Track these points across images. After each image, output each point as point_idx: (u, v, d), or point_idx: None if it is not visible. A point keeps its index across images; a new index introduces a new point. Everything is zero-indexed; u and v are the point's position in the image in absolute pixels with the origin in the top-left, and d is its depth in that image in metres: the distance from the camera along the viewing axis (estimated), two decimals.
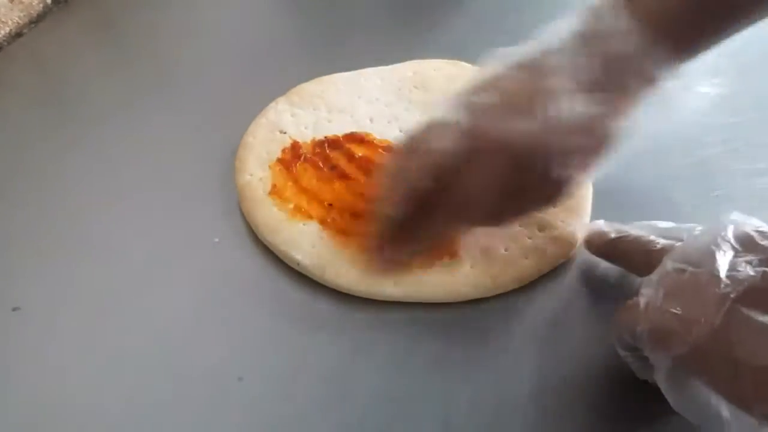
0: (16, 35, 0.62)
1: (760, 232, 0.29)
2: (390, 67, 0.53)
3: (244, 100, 0.51)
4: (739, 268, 0.27)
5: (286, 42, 0.61)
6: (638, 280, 0.34)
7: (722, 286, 0.27)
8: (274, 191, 0.43)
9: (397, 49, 0.55)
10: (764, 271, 0.27)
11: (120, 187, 0.47)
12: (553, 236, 0.40)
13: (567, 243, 0.40)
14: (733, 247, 0.29)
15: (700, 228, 0.33)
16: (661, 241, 0.34)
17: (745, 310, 0.26)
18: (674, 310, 0.28)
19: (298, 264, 0.40)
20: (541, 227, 0.41)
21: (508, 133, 0.33)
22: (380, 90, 0.51)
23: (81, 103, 0.54)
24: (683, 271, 0.29)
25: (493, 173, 0.33)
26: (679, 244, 0.32)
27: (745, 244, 0.28)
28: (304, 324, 0.38)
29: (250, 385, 0.35)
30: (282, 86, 0.52)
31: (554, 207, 0.39)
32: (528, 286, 0.40)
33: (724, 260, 0.28)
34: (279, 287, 0.40)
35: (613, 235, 0.37)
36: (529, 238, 0.40)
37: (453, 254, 0.40)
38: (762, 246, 0.28)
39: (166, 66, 0.58)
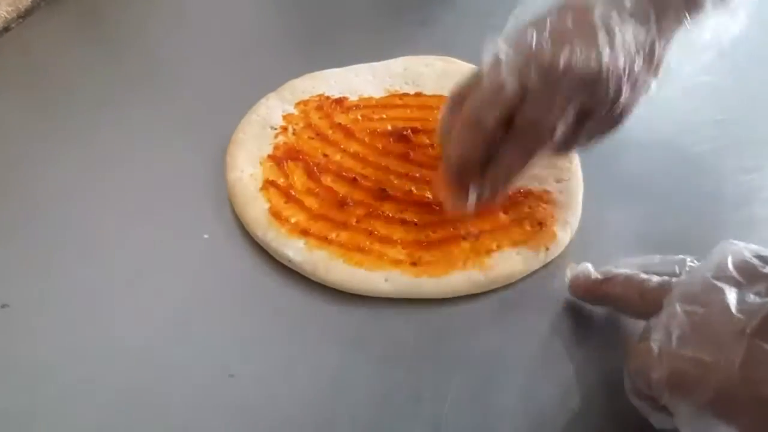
0: (4, 30, 0.61)
1: (761, 258, 0.28)
2: (381, 63, 0.53)
3: (234, 95, 0.51)
4: (749, 300, 0.26)
5: (277, 37, 0.61)
6: (638, 322, 0.33)
7: (736, 321, 0.26)
8: (267, 190, 0.43)
9: (389, 45, 0.55)
10: None
11: (109, 183, 0.46)
12: (545, 233, 0.41)
13: (559, 239, 0.41)
14: (737, 280, 0.27)
15: (691, 260, 0.32)
16: (654, 278, 0.32)
17: (764, 344, 0.25)
18: (691, 354, 0.27)
19: (290, 261, 0.40)
20: (533, 223, 0.41)
21: (571, 60, 0.33)
22: (372, 86, 0.51)
23: (69, 98, 0.54)
24: (693, 311, 0.28)
25: (562, 99, 0.34)
26: (676, 280, 0.31)
27: (748, 274, 0.28)
28: (295, 321, 0.38)
29: (242, 381, 0.35)
30: (273, 82, 0.52)
31: (612, 133, 0.39)
32: (520, 283, 0.40)
33: (732, 295, 0.27)
34: (270, 284, 0.40)
35: (600, 278, 0.35)
36: (521, 234, 0.41)
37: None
38: (765, 274, 0.27)
39: (156, 61, 0.58)
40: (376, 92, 0.51)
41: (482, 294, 0.39)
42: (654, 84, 0.36)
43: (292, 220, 0.41)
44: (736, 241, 0.29)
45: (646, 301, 0.31)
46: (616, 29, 0.34)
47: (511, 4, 0.56)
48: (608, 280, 0.35)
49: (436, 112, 0.48)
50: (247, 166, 0.45)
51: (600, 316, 0.37)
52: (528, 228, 0.41)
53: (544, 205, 0.42)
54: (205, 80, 0.55)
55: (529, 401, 0.34)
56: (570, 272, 0.38)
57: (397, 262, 0.39)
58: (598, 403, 0.34)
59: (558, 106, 0.34)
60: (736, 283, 0.27)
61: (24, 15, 0.63)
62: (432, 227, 0.41)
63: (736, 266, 0.28)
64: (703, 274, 0.29)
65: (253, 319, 0.38)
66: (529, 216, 0.41)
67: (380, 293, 0.39)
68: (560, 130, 0.35)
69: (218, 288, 0.40)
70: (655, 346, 0.28)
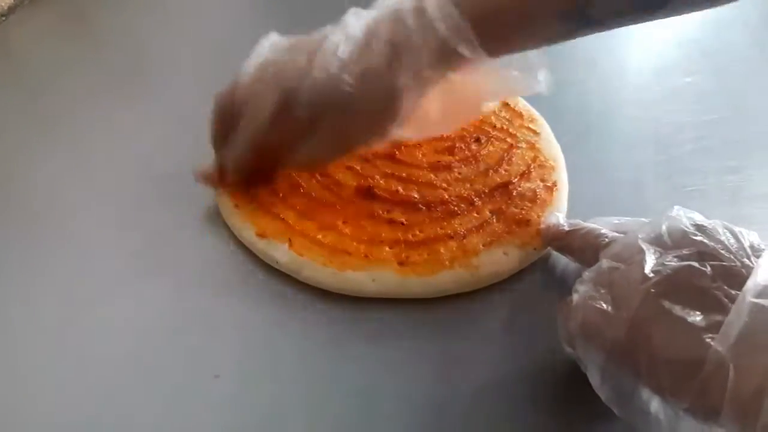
0: None
1: (696, 226, 0.29)
2: None
3: None
4: (665, 262, 0.28)
5: (262, 35, 0.61)
6: None
7: (644, 279, 0.28)
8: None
9: None
10: (688, 265, 0.28)
11: (93, 181, 0.46)
12: (531, 231, 0.41)
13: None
14: (665, 243, 0.29)
15: (646, 221, 0.33)
16: (610, 235, 0.34)
17: (666, 304, 0.27)
18: (599, 306, 0.29)
19: (277, 262, 0.40)
20: (519, 223, 0.41)
21: (281, 72, 0.37)
22: None
23: (53, 96, 0.53)
24: (615, 268, 0.30)
25: (264, 106, 0.37)
26: (615, 237, 0.33)
27: (677, 239, 0.29)
28: (281, 321, 0.38)
29: (227, 382, 0.35)
30: None
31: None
32: (506, 281, 0.40)
33: (651, 256, 0.29)
34: (257, 284, 0.40)
35: (566, 228, 0.37)
36: (508, 234, 0.41)
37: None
38: (693, 240, 0.29)
39: (141, 59, 0.58)
40: None
41: (469, 293, 0.39)
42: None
43: (278, 221, 0.41)
44: (684, 209, 0.31)
45: (597, 252, 0.33)
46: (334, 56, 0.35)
47: None
48: (572, 231, 0.37)
49: None
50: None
51: None
52: (514, 227, 0.41)
53: (530, 205, 0.42)
54: (190, 78, 0.55)
55: (516, 399, 0.34)
56: (544, 220, 0.40)
57: (384, 262, 0.39)
58: (590, 401, 0.34)
59: (257, 111, 0.38)
60: (663, 246, 0.29)
61: (7, 13, 0.62)
62: (419, 227, 0.41)
63: (669, 231, 0.29)
64: (637, 236, 0.30)
65: (238, 320, 0.38)
66: (516, 215, 0.42)
67: (367, 293, 0.39)
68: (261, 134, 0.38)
69: (204, 288, 0.40)
70: (575, 297, 0.31)
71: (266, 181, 0.43)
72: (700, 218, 0.30)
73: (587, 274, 0.31)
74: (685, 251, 0.28)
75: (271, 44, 0.39)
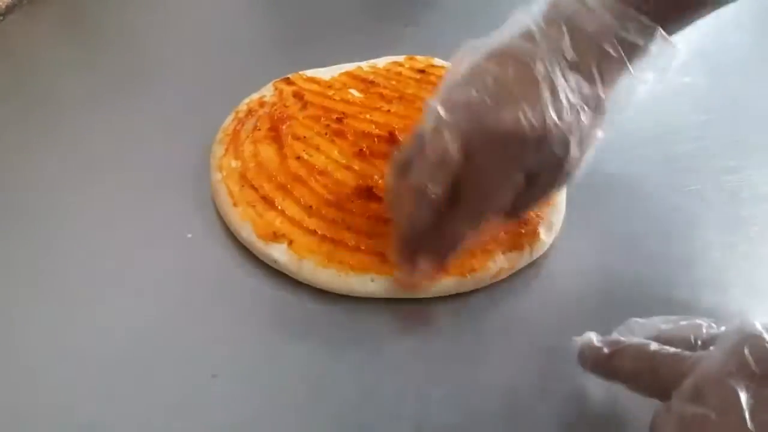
0: None
1: None
2: (365, 63, 0.53)
3: (218, 95, 0.51)
4: (763, 403, 0.24)
5: (260, 38, 0.61)
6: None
7: None
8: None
9: (372, 45, 0.55)
10: None
11: (92, 183, 0.46)
12: (529, 233, 0.41)
13: (542, 239, 0.41)
14: (755, 375, 0.25)
15: (707, 325, 0.30)
16: (666, 350, 0.29)
17: None
18: None
19: (275, 261, 0.40)
20: (518, 224, 0.41)
21: (515, 121, 0.32)
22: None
23: (51, 97, 0.53)
24: (705, 416, 0.25)
25: (508, 162, 0.33)
26: (691, 363, 0.27)
27: (766, 365, 0.25)
28: (279, 320, 0.38)
29: (225, 382, 0.35)
30: (256, 82, 0.51)
31: (563, 188, 0.40)
32: (505, 281, 0.40)
33: (746, 396, 0.24)
34: (254, 283, 0.40)
35: (606, 350, 0.31)
36: (506, 233, 0.41)
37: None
38: None
39: (139, 61, 0.58)
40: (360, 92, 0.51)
41: (468, 293, 0.39)
42: (600, 134, 0.35)
43: (277, 221, 0.41)
44: (760, 320, 0.26)
45: (658, 379, 0.28)
46: (559, 84, 0.33)
47: (492, 3, 0.57)
48: (616, 353, 0.31)
49: (420, 112, 0.49)
50: (231, 165, 0.45)
51: (585, 314, 0.37)
52: (512, 227, 0.41)
53: None
54: (188, 80, 0.55)
55: (512, 400, 0.34)
56: (577, 341, 0.34)
57: (383, 263, 0.39)
58: (583, 402, 0.34)
59: (504, 169, 0.34)
60: (750, 377, 0.25)
61: (5, 13, 0.62)
62: None
63: (756, 358, 0.25)
64: (715, 364, 0.26)
65: (236, 319, 0.38)
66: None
67: (366, 293, 0.39)
68: (507, 195, 0.34)
69: (201, 287, 0.40)
70: None
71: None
72: None
73: (661, 418, 0.27)
74: None
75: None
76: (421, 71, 0.53)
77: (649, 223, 0.43)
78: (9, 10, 0.62)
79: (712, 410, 0.25)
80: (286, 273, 0.40)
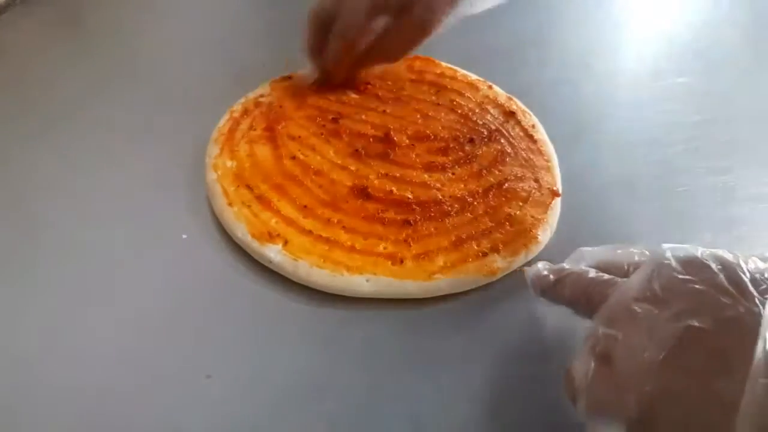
0: None
1: (687, 268, 0.27)
2: None
3: (213, 95, 0.51)
4: (665, 328, 0.26)
5: (256, 37, 0.61)
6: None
7: (648, 354, 0.26)
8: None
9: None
10: (687, 327, 0.26)
11: (86, 183, 0.45)
12: (525, 233, 0.41)
13: (538, 239, 0.41)
14: (657, 297, 0.27)
15: (640, 252, 0.32)
16: (600, 278, 0.32)
17: (675, 381, 0.25)
18: (605, 384, 0.27)
19: (270, 262, 0.40)
20: (512, 223, 0.41)
21: None
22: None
23: (44, 97, 0.53)
24: (613, 337, 0.28)
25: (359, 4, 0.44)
26: (607, 295, 0.30)
27: (670, 289, 0.27)
28: (274, 321, 0.38)
29: (219, 383, 0.35)
30: (252, 82, 0.51)
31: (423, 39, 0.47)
32: (500, 281, 0.40)
33: (647, 321, 0.27)
34: (249, 284, 0.40)
35: (552, 278, 0.34)
36: (502, 234, 0.41)
37: None
38: (687, 289, 0.27)
39: (134, 60, 0.57)
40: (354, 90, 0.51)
41: (463, 293, 0.39)
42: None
43: (272, 221, 0.41)
44: (672, 248, 0.29)
45: (590, 303, 0.31)
46: None
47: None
48: (559, 281, 0.34)
49: (415, 113, 0.49)
50: (227, 165, 0.45)
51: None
52: (508, 227, 0.41)
53: (524, 205, 0.43)
54: (184, 79, 0.54)
55: (509, 399, 0.34)
56: (527, 271, 0.37)
57: (378, 263, 0.39)
58: None
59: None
60: (656, 302, 0.27)
61: None
62: (413, 227, 0.41)
63: (660, 281, 0.28)
64: (628, 294, 0.28)
65: (231, 320, 0.38)
66: (509, 216, 0.42)
67: (361, 293, 0.39)
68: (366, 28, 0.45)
69: (197, 288, 0.39)
70: (576, 377, 0.29)
71: (349, 79, 0.50)
72: (690, 253, 0.28)
73: (587, 344, 0.29)
74: (681, 306, 0.26)
75: None
76: (417, 72, 0.53)
77: (643, 223, 0.44)
78: (2, 9, 0.62)
79: (619, 331, 0.27)
80: (281, 273, 0.40)
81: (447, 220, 0.41)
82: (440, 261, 0.39)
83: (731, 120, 0.52)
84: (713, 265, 0.27)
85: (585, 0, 0.67)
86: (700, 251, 0.28)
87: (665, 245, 0.29)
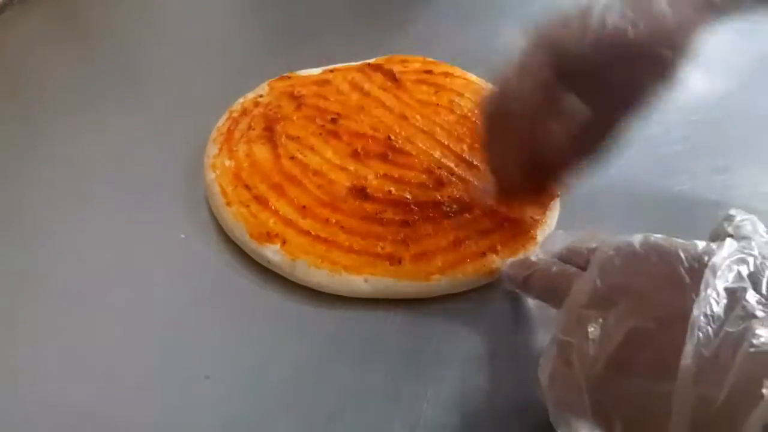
0: None
1: (629, 262, 0.28)
2: (360, 62, 0.53)
3: (212, 95, 0.51)
4: (609, 332, 0.27)
5: (254, 37, 0.61)
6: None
7: (595, 362, 0.27)
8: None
9: (367, 45, 0.55)
10: (630, 329, 0.26)
11: (84, 183, 0.46)
12: (523, 233, 0.41)
13: (535, 239, 0.41)
14: (605, 300, 0.28)
15: (598, 242, 0.32)
16: (565, 271, 0.32)
17: (619, 385, 0.26)
18: (566, 387, 0.28)
19: (269, 262, 0.40)
20: (511, 223, 0.41)
21: (552, 45, 0.33)
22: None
23: (43, 96, 0.53)
24: (569, 343, 0.28)
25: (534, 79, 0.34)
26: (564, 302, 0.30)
27: (616, 290, 0.28)
28: (272, 321, 0.38)
29: (217, 383, 0.35)
30: (251, 82, 0.51)
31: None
32: (498, 282, 0.40)
33: (596, 325, 0.27)
34: (247, 284, 0.40)
35: (522, 275, 0.35)
36: (500, 235, 0.41)
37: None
38: (628, 290, 0.27)
39: (132, 61, 0.57)
40: (354, 92, 0.51)
41: (462, 293, 0.39)
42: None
43: (271, 221, 0.41)
44: (609, 243, 0.29)
45: (556, 299, 0.31)
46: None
47: (487, 4, 0.57)
48: (528, 277, 0.34)
49: (414, 113, 0.49)
50: (225, 164, 0.45)
51: None
52: (506, 227, 0.41)
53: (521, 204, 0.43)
54: (182, 80, 0.54)
55: (508, 400, 0.34)
56: (503, 266, 0.38)
57: (376, 263, 0.39)
58: None
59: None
60: (601, 305, 0.28)
61: None
62: (411, 227, 0.41)
63: (607, 284, 0.28)
64: (578, 301, 0.29)
65: (229, 320, 0.38)
66: (507, 217, 0.42)
67: (359, 294, 0.39)
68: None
69: (195, 288, 0.39)
70: (542, 379, 0.30)
71: (539, 192, 0.41)
72: (632, 245, 0.29)
73: (551, 348, 0.30)
74: (624, 306, 0.27)
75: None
76: (417, 72, 0.53)
77: (640, 223, 0.43)
78: (0, 8, 0.62)
79: (573, 338, 0.28)
80: (280, 273, 0.40)
81: (445, 221, 0.41)
82: (438, 261, 0.39)
83: (729, 119, 0.52)
84: (653, 258, 0.28)
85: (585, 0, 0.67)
86: (638, 243, 0.29)
87: (610, 239, 0.30)
